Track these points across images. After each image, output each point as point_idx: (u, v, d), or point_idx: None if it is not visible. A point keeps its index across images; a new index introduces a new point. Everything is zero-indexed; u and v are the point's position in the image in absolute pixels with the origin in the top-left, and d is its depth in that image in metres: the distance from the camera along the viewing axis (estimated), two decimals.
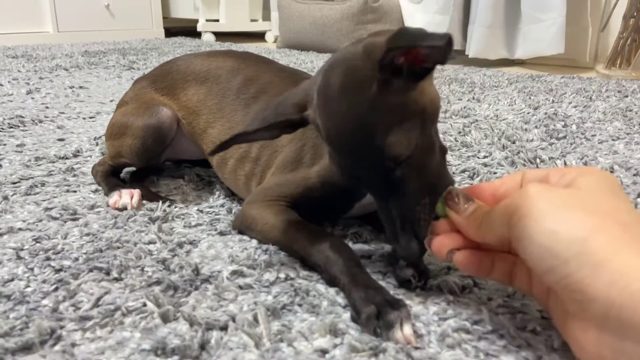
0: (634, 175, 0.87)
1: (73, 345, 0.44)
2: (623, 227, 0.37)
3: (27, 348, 0.44)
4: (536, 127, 1.20)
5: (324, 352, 0.43)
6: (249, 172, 0.72)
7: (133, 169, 0.86)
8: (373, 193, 0.50)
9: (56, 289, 0.52)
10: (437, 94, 0.52)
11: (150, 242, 0.63)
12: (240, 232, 0.66)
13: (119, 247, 0.61)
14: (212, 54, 0.86)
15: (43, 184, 0.82)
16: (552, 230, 0.38)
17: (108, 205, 0.74)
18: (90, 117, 1.30)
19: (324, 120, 0.50)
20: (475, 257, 0.47)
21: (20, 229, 0.66)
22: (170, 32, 3.66)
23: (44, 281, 0.53)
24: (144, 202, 0.75)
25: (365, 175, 0.49)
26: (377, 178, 0.48)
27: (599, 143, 1.08)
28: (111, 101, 1.49)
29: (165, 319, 0.47)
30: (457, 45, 2.51)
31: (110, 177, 0.81)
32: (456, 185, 0.84)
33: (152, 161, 0.82)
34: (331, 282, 0.53)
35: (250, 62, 0.81)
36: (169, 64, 0.87)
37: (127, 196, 0.73)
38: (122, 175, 0.86)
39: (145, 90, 0.86)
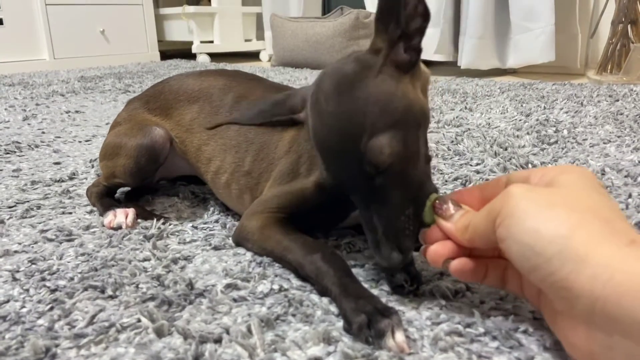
0: (625, 177, 0.88)
1: None
2: (603, 223, 0.38)
3: None
4: (528, 133, 1.21)
5: None
6: (243, 185, 0.72)
7: (128, 189, 0.87)
8: (355, 198, 0.51)
9: (51, 309, 0.52)
10: (425, 102, 0.52)
11: (144, 259, 0.63)
12: (238, 244, 0.66)
13: (113, 265, 0.61)
14: (203, 73, 0.87)
15: (39, 207, 0.82)
16: (534, 228, 0.38)
17: (103, 225, 0.74)
18: (86, 141, 1.31)
19: (313, 120, 0.51)
20: (469, 266, 0.47)
21: (16, 252, 0.66)
22: (165, 54, 3.69)
23: (39, 301, 0.54)
24: (139, 220, 0.75)
25: (347, 179, 0.50)
26: (358, 183, 0.49)
27: (590, 147, 1.09)
28: (107, 124, 1.50)
29: (160, 333, 0.47)
30: (449, 57, 2.54)
31: (105, 197, 0.82)
32: (448, 192, 0.85)
33: (145, 181, 0.83)
34: (323, 293, 0.53)
35: (241, 80, 0.83)
36: (162, 84, 0.88)
37: (122, 215, 0.74)
38: (117, 195, 0.86)
39: (138, 110, 0.87)
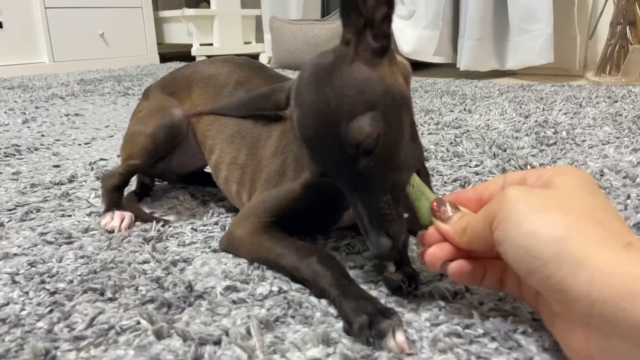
0: (624, 177, 0.88)
1: None
2: (599, 225, 0.38)
3: None
4: (527, 134, 1.21)
5: None
6: (239, 179, 0.73)
7: (129, 190, 0.87)
8: (341, 186, 0.50)
9: (51, 311, 0.52)
10: (406, 89, 0.53)
11: (144, 262, 0.63)
12: (227, 252, 0.66)
13: (113, 268, 0.61)
14: (213, 60, 0.89)
15: (38, 210, 0.82)
16: (530, 231, 0.38)
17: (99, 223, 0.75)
18: (86, 143, 1.31)
19: (296, 112, 0.51)
20: (468, 268, 0.47)
21: (15, 254, 0.66)
22: (165, 57, 3.70)
23: (38, 304, 0.54)
24: (137, 223, 0.75)
25: (332, 166, 0.50)
26: (343, 169, 0.49)
27: (589, 148, 1.09)
28: (106, 127, 1.51)
29: (159, 335, 0.47)
30: (448, 59, 2.54)
31: (115, 192, 0.81)
32: (448, 194, 0.85)
33: (161, 162, 0.84)
34: (321, 295, 0.53)
35: (245, 68, 0.84)
36: (177, 71, 0.90)
37: (118, 219, 0.74)
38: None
39: (156, 96, 0.88)
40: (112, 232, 0.73)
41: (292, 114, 0.53)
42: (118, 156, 1.10)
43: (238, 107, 0.59)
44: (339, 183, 0.50)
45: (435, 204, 0.49)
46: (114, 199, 0.80)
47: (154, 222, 0.75)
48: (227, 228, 0.68)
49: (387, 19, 0.50)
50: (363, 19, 0.49)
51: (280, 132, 0.68)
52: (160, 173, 0.93)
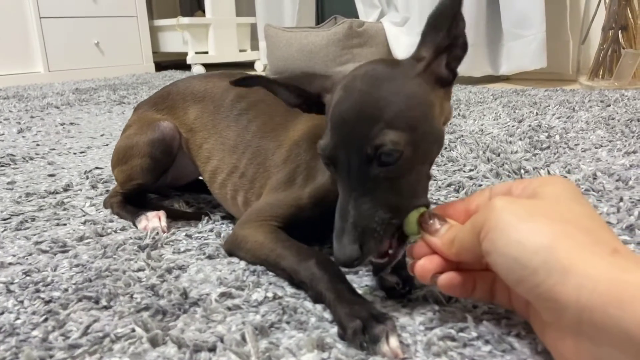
0: (617, 180, 0.89)
1: None
2: (586, 233, 0.38)
3: None
4: (520, 139, 1.22)
5: None
6: (238, 186, 0.74)
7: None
8: (342, 182, 0.50)
9: (46, 320, 0.52)
10: (444, 134, 0.53)
11: (139, 270, 0.63)
12: (230, 254, 0.67)
13: (108, 276, 0.61)
14: (209, 75, 0.89)
15: (33, 219, 0.82)
16: (517, 241, 0.38)
17: (137, 228, 0.77)
18: (81, 152, 1.31)
19: (340, 93, 0.51)
20: (457, 280, 0.47)
21: (10, 264, 0.66)
22: (160, 66, 3.70)
23: (33, 313, 0.54)
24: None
25: (344, 158, 0.49)
26: (353, 165, 0.48)
27: (582, 151, 1.10)
28: (102, 135, 1.51)
29: (154, 343, 0.48)
30: None
31: (127, 205, 0.83)
32: (442, 198, 0.85)
33: (162, 177, 0.84)
34: (317, 298, 0.53)
35: None
36: (170, 87, 0.90)
37: (155, 220, 0.76)
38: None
39: (146, 112, 0.88)
40: (155, 233, 0.73)
41: (331, 97, 0.53)
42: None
43: (284, 77, 0.59)
44: (341, 174, 0.50)
45: (422, 217, 0.49)
46: (131, 208, 0.82)
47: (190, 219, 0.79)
48: (231, 230, 0.69)
49: (458, 59, 0.51)
50: (449, 40, 0.50)
51: (292, 142, 0.69)
52: (154, 188, 0.93)
